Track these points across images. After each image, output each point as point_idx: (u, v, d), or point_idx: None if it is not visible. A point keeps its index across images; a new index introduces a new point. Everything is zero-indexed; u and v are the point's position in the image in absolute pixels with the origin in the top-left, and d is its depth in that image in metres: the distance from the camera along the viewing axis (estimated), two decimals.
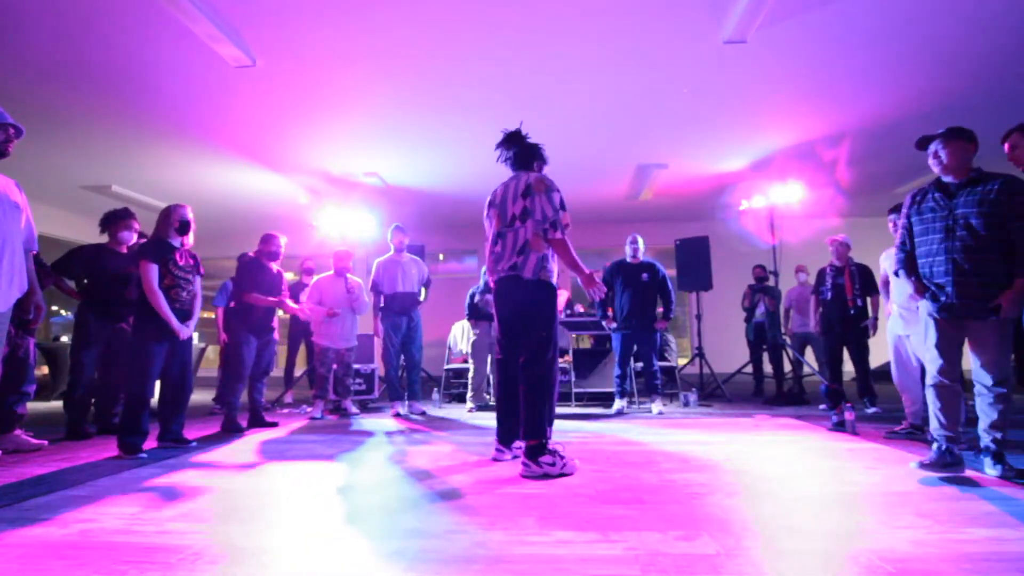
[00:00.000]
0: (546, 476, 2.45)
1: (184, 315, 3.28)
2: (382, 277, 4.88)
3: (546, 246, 2.70)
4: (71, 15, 3.81)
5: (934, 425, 2.55)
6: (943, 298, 2.51)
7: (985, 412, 2.45)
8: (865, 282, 4.68)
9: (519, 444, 2.80)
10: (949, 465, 2.47)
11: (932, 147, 2.60)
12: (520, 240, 2.70)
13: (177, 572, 1.45)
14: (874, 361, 4.88)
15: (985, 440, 2.45)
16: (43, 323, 3.47)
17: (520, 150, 2.91)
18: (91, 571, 1.46)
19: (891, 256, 3.52)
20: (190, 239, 3.39)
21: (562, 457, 2.51)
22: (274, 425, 4.20)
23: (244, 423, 4.11)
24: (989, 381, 2.42)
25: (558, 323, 2.74)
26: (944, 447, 2.49)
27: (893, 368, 3.56)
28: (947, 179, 2.57)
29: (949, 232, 2.51)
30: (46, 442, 3.30)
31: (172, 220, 3.29)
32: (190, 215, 3.37)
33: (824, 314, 4.86)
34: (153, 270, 3.15)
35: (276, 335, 4.32)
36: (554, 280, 2.74)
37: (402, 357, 4.95)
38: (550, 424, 2.64)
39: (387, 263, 4.93)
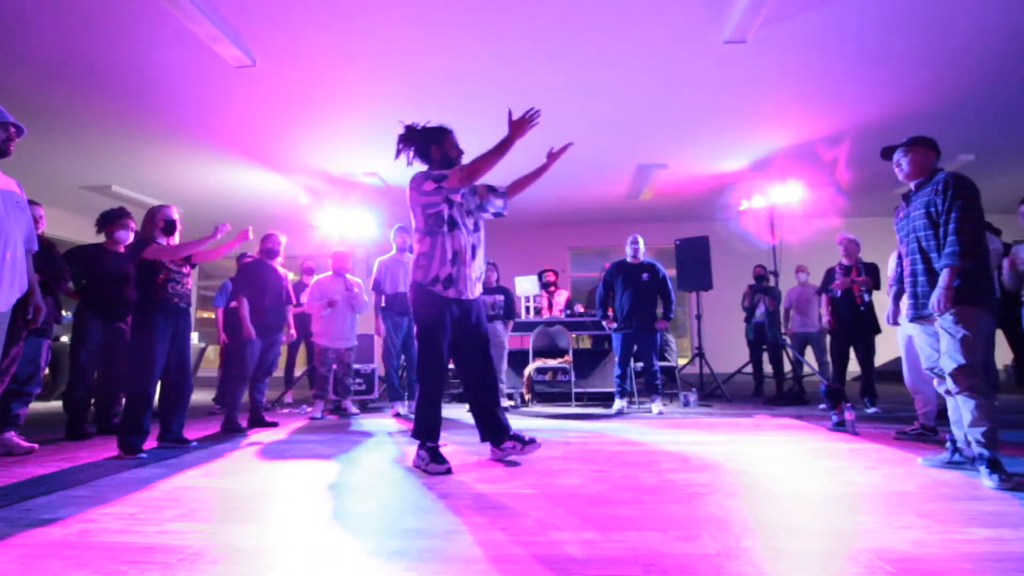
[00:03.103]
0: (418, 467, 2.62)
1: (185, 310, 3.31)
2: (384, 277, 4.88)
3: (420, 245, 2.73)
4: (71, 15, 3.81)
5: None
6: (910, 304, 2.61)
7: (962, 411, 2.40)
8: (873, 279, 4.71)
9: (509, 444, 2.82)
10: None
11: (895, 156, 2.69)
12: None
13: (177, 572, 1.45)
14: (877, 360, 4.88)
15: (974, 446, 2.35)
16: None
17: (418, 143, 2.85)
18: (91, 571, 1.46)
19: None
20: (176, 239, 3.41)
21: (438, 460, 2.59)
22: (274, 425, 4.20)
23: (244, 423, 4.11)
24: (945, 374, 2.42)
25: (433, 321, 2.68)
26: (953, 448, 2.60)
27: (905, 369, 3.54)
28: (912, 186, 2.66)
29: (908, 237, 2.62)
30: (36, 445, 3.28)
31: (157, 220, 3.31)
32: (176, 215, 3.38)
33: (834, 312, 4.87)
34: (156, 246, 3.19)
35: (284, 336, 4.31)
36: (430, 277, 2.68)
37: (402, 357, 4.96)
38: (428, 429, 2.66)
39: (389, 263, 4.93)
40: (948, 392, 2.56)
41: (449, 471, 2.55)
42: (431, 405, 2.68)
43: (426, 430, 2.66)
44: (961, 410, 2.40)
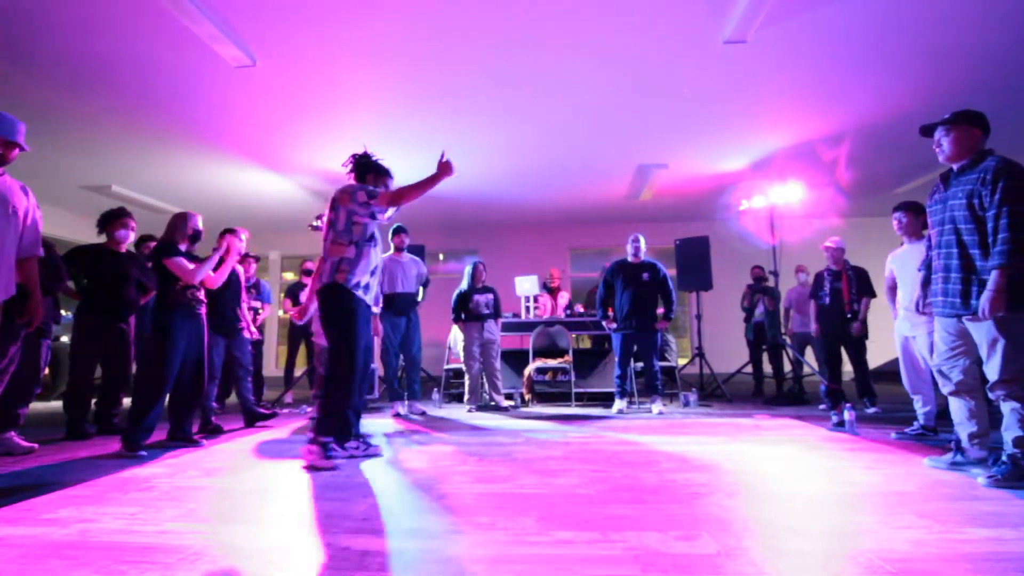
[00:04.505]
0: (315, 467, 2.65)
1: (200, 314, 3.39)
2: (382, 277, 4.88)
3: (344, 249, 2.81)
4: (71, 15, 3.80)
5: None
6: (934, 299, 2.48)
7: (1004, 416, 2.29)
8: (861, 284, 4.70)
9: (352, 444, 2.94)
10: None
11: (936, 135, 2.46)
12: (324, 250, 2.90)
13: (177, 572, 1.45)
14: (873, 361, 4.88)
15: (1006, 448, 2.25)
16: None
17: (355, 165, 3.11)
18: (91, 571, 1.46)
19: (897, 258, 3.53)
20: (196, 249, 3.51)
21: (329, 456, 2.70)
22: (273, 416, 4.20)
23: (240, 423, 4.12)
24: (991, 379, 2.29)
25: (357, 323, 2.79)
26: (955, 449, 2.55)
27: (903, 370, 3.54)
28: (953, 167, 2.44)
29: (942, 227, 2.42)
30: (36, 445, 3.29)
31: (187, 229, 3.39)
32: (201, 225, 3.48)
33: (823, 319, 4.87)
34: (183, 260, 3.25)
35: (247, 333, 4.26)
36: (353, 282, 2.78)
37: (401, 357, 4.97)
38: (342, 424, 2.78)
39: (387, 263, 4.93)
40: (952, 393, 2.53)
41: (335, 468, 2.63)
42: (351, 402, 2.78)
43: (343, 427, 2.78)
44: (1005, 416, 2.28)
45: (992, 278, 2.18)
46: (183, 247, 3.36)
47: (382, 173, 3.11)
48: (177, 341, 3.21)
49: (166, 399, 3.28)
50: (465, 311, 5.27)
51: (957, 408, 2.54)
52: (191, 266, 3.25)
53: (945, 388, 2.55)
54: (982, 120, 2.39)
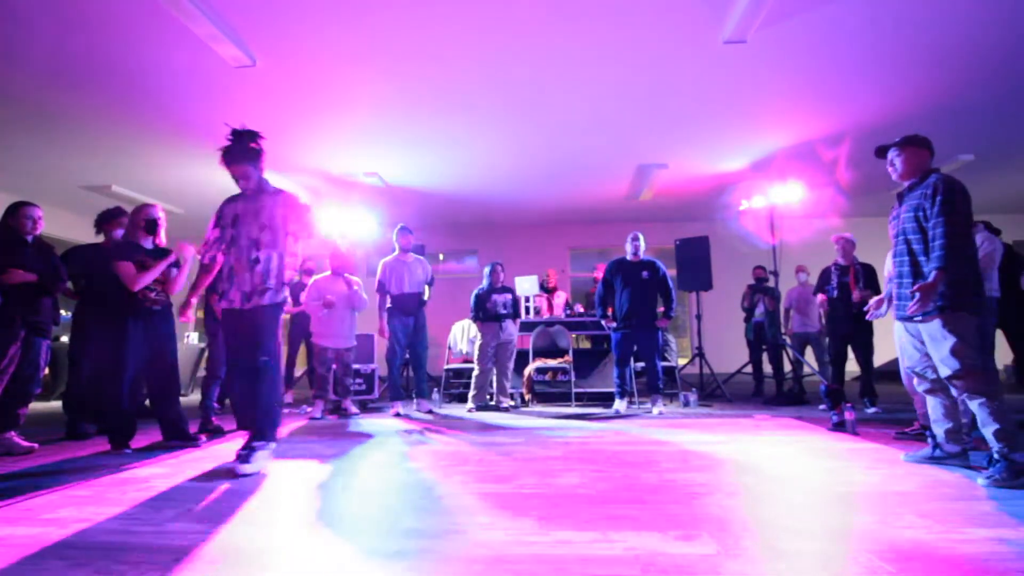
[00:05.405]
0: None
1: (159, 312, 3.31)
2: (388, 278, 4.88)
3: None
4: (71, 15, 3.80)
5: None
6: (896, 304, 2.65)
7: (976, 414, 2.39)
8: (869, 281, 4.70)
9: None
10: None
11: (889, 155, 2.72)
12: None
13: (177, 572, 1.45)
14: (874, 361, 4.88)
15: (993, 446, 2.31)
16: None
17: (259, 154, 3.21)
18: (90, 571, 1.46)
19: None
20: (162, 237, 3.40)
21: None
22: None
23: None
24: (944, 376, 2.42)
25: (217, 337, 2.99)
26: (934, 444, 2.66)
27: (903, 369, 3.55)
28: (905, 185, 2.70)
29: (897, 238, 2.66)
30: (36, 445, 3.29)
31: (139, 220, 3.29)
32: (159, 214, 3.38)
33: (829, 313, 4.87)
34: (128, 266, 3.17)
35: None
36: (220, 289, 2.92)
37: (406, 356, 4.98)
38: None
39: (393, 263, 4.94)
40: (928, 391, 2.66)
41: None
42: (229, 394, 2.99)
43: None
44: (976, 414, 2.37)
45: (930, 277, 2.39)
46: (147, 242, 3.30)
47: (248, 160, 3.29)
48: (126, 341, 3.14)
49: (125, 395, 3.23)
50: (483, 311, 5.27)
51: (933, 406, 2.66)
52: (133, 271, 3.17)
53: (921, 387, 2.68)
54: (928, 143, 2.69)
